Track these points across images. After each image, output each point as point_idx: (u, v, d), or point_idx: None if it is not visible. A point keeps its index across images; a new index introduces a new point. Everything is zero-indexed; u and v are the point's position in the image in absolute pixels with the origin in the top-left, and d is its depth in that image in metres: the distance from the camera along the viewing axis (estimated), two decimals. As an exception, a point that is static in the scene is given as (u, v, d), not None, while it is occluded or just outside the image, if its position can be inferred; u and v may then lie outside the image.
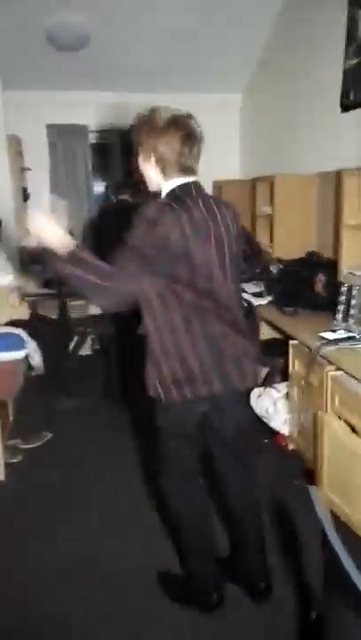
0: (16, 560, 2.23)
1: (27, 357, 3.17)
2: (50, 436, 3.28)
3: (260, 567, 1.94)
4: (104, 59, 4.35)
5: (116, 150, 4.98)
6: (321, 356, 2.44)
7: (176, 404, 1.68)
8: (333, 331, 2.55)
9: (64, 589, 2.05)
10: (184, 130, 1.60)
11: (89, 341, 4.56)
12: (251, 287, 3.48)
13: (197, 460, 1.86)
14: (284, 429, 2.92)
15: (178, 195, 1.61)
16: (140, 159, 1.67)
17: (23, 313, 3.29)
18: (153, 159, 1.62)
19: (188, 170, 1.64)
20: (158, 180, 1.66)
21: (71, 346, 3.98)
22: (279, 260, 3.30)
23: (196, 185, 1.66)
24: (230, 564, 2.02)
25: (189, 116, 1.65)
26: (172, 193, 1.63)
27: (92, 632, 1.87)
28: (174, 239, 1.52)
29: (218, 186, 4.81)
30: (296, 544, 2.18)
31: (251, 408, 2.83)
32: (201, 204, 1.61)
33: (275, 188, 3.59)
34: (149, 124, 1.62)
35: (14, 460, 3.00)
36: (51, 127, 4.85)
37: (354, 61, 2.96)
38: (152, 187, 1.70)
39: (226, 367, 1.67)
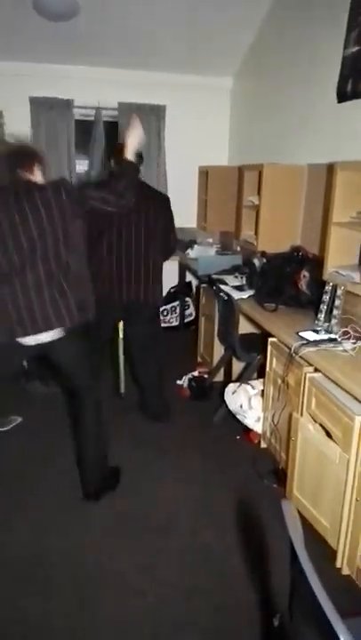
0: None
1: None
2: (19, 420, 3.18)
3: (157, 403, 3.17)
4: (94, 31, 4.15)
5: (99, 127, 4.79)
6: (300, 356, 2.38)
7: None
8: (315, 331, 2.49)
9: (16, 587, 1.98)
10: None
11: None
12: (232, 280, 3.40)
13: None
14: (257, 427, 2.87)
15: None
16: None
17: None
18: None
19: None
20: None
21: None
22: (263, 254, 3.22)
23: None
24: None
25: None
26: None
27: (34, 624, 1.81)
28: None
29: (203, 171, 4.69)
30: (263, 551, 2.14)
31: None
32: None
33: (263, 177, 3.48)
34: None
35: None
36: (34, 100, 4.64)
37: (355, 49, 2.83)
38: None
39: None
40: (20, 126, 4.58)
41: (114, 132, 4.83)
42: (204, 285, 3.87)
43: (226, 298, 3.19)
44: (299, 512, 2.23)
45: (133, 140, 2.26)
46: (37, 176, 2.22)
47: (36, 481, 2.63)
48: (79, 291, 2.21)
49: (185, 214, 5.02)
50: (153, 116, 4.88)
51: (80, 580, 2.03)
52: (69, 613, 1.88)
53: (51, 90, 4.60)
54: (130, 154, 2.26)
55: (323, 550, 2.09)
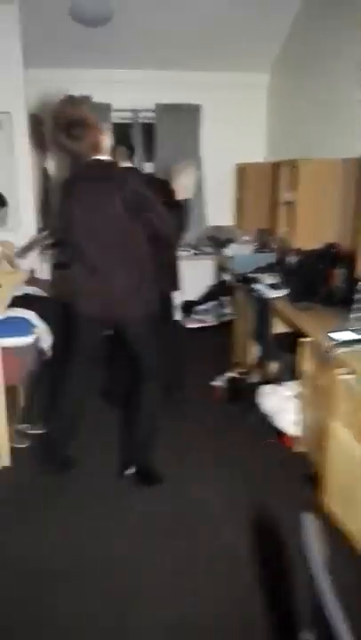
0: (8, 548, 2.20)
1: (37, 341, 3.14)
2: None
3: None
4: (128, 35, 4.17)
5: (138, 129, 4.82)
6: (333, 357, 2.29)
7: None
8: (349, 331, 2.39)
9: (52, 583, 2.01)
10: None
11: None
12: (267, 278, 3.33)
13: None
14: (292, 430, 2.79)
15: None
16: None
17: (23, 275, 3.32)
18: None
19: None
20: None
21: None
22: (296, 251, 3.12)
23: None
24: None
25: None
26: None
27: (73, 623, 1.83)
28: None
29: (240, 169, 4.62)
30: (289, 561, 2.07)
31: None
32: None
33: (298, 173, 3.39)
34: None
35: (21, 446, 2.96)
36: (72, 105, 4.72)
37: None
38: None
39: None
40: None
41: (151, 133, 4.85)
42: (238, 284, 3.81)
43: (259, 297, 3.12)
44: (331, 521, 2.17)
45: (183, 183, 2.32)
46: (101, 148, 2.21)
47: (65, 482, 2.65)
48: (149, 283, 2.31)
49: (222, 212, 4.98)
50: (189, 115, 4.85)
51: (104, 582, 2.03)
52: (88, 614, 1.88)
53: (89, 94, 4.66)
54: (180, 195, 2.31)
55: (356, 562, 2.00)
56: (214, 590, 1.98)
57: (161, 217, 2.20)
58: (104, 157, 2.24)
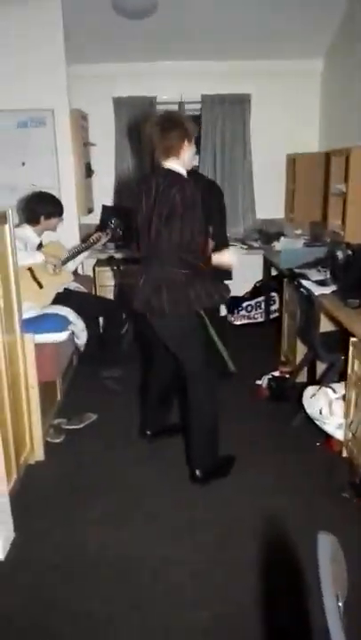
0: (37, 546, 2.19)
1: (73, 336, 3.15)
2: (94, 417, 3.22)
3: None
4: (173, 26, 4.08)
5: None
6: (382, 358, 2.12)
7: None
8: None
9: (84, 581, 1.99)
10: None
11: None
12: (315, 274, 3.15)
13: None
14: (339, 434, 2.63)
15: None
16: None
17: (67, 277, 3.39)
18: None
19: None
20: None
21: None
22: (348, 245, 2.94)
23: None
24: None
25: None
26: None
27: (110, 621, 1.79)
28: None
29: (291, 159, 4.43)
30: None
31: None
32: None
33: (350, 162, 3.19)
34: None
35: (57, 440, 2.98)
36: (117, 100, 4.71)
37: None
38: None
39: None
40: (103, 128, 4.69)
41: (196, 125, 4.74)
42: (286, 280, 3.66)
43: (306, 293, 2.96)
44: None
45: (224, 261, 2.43)
46: (177, 156, 2.26)
47: (97, 482, 2.60)
48: (188, 282, 2.27)
49: (273, 205, 4.81)
50: (238, 105, 4.71)
51: (105, 581, 1.98)
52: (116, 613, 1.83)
53: (133, 88, 4.63)
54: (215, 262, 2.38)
55: None
56: (215, 591, 1.91)
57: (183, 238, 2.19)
58: (175, 167, 2.28)
